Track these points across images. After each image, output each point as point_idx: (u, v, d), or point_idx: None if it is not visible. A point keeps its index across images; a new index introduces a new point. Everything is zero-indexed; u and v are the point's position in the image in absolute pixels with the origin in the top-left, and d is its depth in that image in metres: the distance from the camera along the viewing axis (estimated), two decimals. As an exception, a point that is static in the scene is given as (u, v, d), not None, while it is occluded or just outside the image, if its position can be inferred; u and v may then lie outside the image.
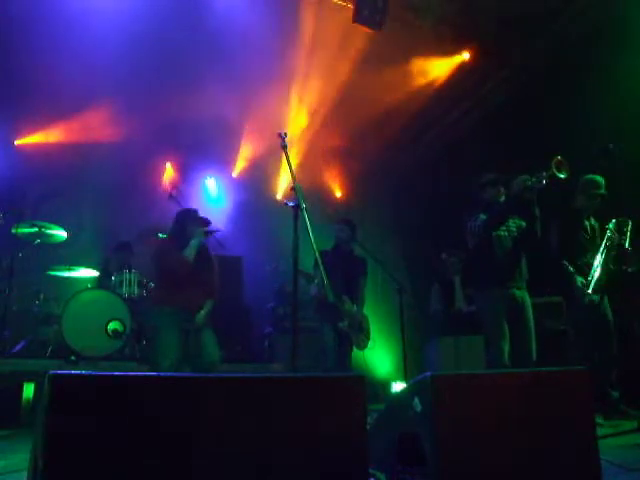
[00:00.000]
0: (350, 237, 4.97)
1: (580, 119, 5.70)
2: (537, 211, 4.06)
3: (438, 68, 6.87)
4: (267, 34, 5.97)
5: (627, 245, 4.38)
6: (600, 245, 4.43)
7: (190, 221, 4.29)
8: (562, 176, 3.78)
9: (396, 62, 6.58)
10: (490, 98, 7.17)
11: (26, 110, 6.57)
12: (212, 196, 8.62)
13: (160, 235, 6.18)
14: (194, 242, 4.18)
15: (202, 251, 4.28)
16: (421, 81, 6.88)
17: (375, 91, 6.71)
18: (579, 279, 4.33)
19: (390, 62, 6.53)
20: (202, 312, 4.19)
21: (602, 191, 4.51)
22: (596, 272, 4.34)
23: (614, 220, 4.46)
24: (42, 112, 6.60)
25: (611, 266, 4.40)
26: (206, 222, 4.31)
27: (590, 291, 4.28)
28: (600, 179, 4.54)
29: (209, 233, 4.33)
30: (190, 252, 4.16)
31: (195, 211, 4.39)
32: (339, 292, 4.61)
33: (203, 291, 4.25)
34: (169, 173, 8.30)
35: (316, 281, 4.64)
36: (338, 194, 9.23)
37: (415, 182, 8.16)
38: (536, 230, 4.12)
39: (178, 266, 4.14)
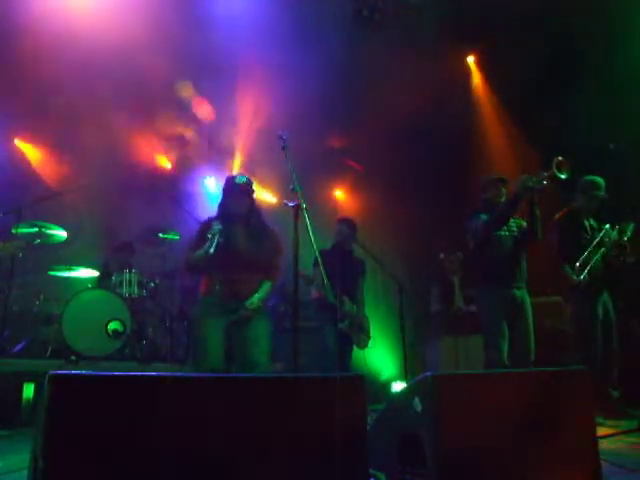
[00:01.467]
0: (350, 237, 4.96)
1: (580, 119, 5.70)
2: (538, 211, 4.06)
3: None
4: (265, 31, 5.98)
5: (626, 240, 4.39)
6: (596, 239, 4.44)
7: (228, 194, 3.63)
8: (563, 176, 3.79)
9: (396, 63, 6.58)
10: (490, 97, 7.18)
11: (27, 110, 6.58)
12: (212, 195, 8.62)
13: (160, 235, 6.19)
14: (211, 237, 3.44)
15: (251, 223, 3.62)
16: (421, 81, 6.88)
17: (375, 90, 6.72)
18: (568, 268, 4.34)
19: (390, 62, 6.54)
20: (254, 297, 3.49)
21: (602, 193, 4.51)
22: (589, 258, 4.34)
23: (617, 226, 4.46)
24: (42, 113, 6.60)
25: (613, 254, 4.40)
26: (238, 194, 3.58)
27: (583, 275, 4.28)
28: (600, 180, 4.54)
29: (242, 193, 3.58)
30: (200, 254, 3.49)
31: (232, 179, 3.68)
32: (339, 292, 4.61)
33: (256, 273, 3.58)
34: (169, 172, 8.29)
35: (316, 282, 4.63)
36: (338, 193, 9.23)
37: (416, 181, 8.15)
38: (537, 230, 4.12)
39: (197, 264, 3.55)
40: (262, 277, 3.62)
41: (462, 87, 7.24)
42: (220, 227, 3.47)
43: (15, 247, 5.16)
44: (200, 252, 3.50)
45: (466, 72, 7.55)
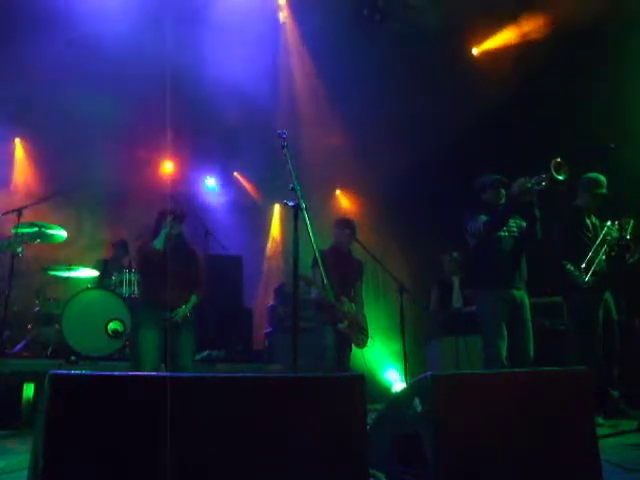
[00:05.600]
0: (349, 237, 4.95)
1: (581, 119, 5.71)
2: (537, 212, 4.05)
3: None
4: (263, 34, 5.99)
5: (627, 237, 4.37)
6: (599, 237, 4.42)
7: (162, 217, 4.24)
8: (561, 178, 3.76)
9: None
10: (492, 97, 7.17)
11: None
12: (212, 195, 8.64)
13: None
14: (162, 232, 4.12)
15: (181, 246, 4.25)
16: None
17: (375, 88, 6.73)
18: (571, 267, 4.32)
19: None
20: (182, 308, 4.10)
21: (604, 191, 4.50)
22: (594, 258, 4.32)
23: (616, 222, 4.45)
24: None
25: (613, 253, 4.39)
26: (172, 212, 4.21)
27: (587, 276, 4.24)
28: (602, 178, 4.53)
29: (177, 219, 4.23)
30: (158, 242, 4.10)
31: (168, 209, 4.30)
32: (337, 293, 4.60)
33: (185, 286, 4.16)
34: (169, 172, 8.30)
35: (315, 282, 4.62)
36: (338, 193, 9.24)
37: (418, 181, 8.17)
38: (536, 231, 4.11)
39: (148, 256, 4.14)
40: (190, 291, 4.22)
41: (465, 85, 7.23)
42: (168, 231, 4.11)
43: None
44: (151, 245, 4.11)
45: (467, 70, 7.53)
